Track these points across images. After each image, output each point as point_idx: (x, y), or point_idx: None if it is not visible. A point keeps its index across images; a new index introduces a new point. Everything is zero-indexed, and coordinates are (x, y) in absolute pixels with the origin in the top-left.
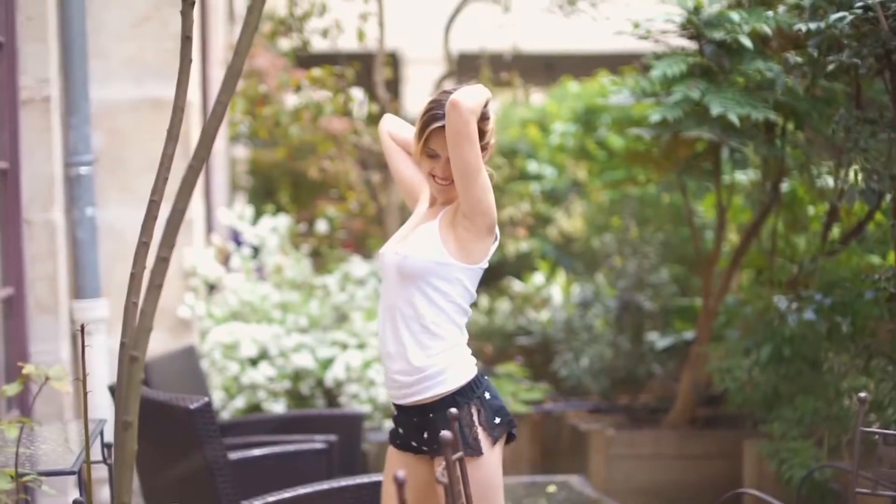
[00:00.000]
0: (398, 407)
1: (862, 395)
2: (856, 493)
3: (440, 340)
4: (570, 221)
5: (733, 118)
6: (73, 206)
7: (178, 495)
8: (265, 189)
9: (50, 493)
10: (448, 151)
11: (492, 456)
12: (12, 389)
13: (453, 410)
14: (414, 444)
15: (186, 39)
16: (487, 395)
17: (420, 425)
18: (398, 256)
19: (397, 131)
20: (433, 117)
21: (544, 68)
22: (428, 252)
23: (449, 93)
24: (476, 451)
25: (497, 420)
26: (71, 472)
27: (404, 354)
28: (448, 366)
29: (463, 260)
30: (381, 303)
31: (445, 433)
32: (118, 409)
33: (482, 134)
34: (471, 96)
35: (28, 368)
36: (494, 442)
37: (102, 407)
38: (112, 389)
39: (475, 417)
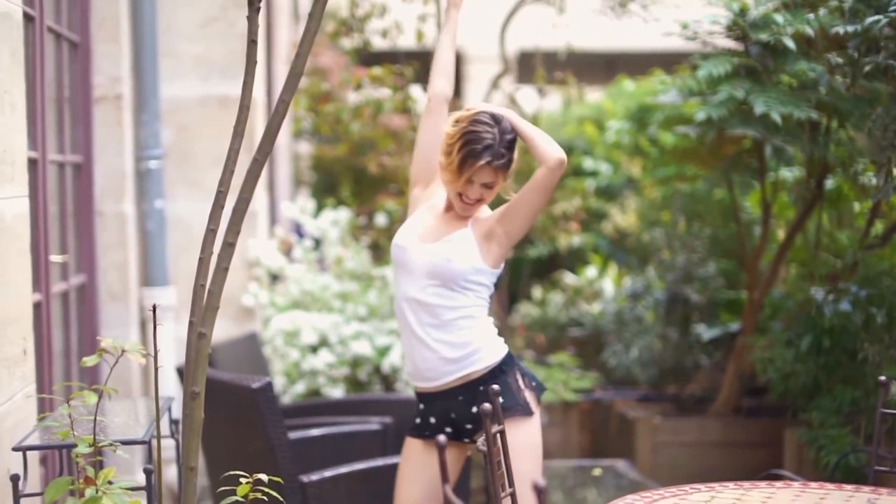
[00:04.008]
0: (435, 395)
1: (882, 378)
2: (875, 470)
3: (473, 320)
4: (624, 217)
5: (776, 117)
6: (142, 198)
7: (241, 471)
8: (328, 184)
9: (124, 456)
10: (488, 180)
11: (537, 415)
12: (91, 361)
13: (495, 387)
14: (448, 430)
15: (252, 43)
16: (522, 365)
17: (464, 404)
18: (436, 258)
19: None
20: (473, 153)
21: (605, 66)
22: (470, 260)
23: (482, 120)
24: (528, 411)
25: (534, 383)
26: (142, 442)
27: (444, 338)
28: (486, 340)
29: (493, 267)
30: (402, 294)
31: (486, 406)
32: (187, 380)
33: (511, 161)
34: (557, 145)
35: (106, 342)
36: (538, 402)
37: (169, 389)
38: (179, 371)
39: (521, 382)
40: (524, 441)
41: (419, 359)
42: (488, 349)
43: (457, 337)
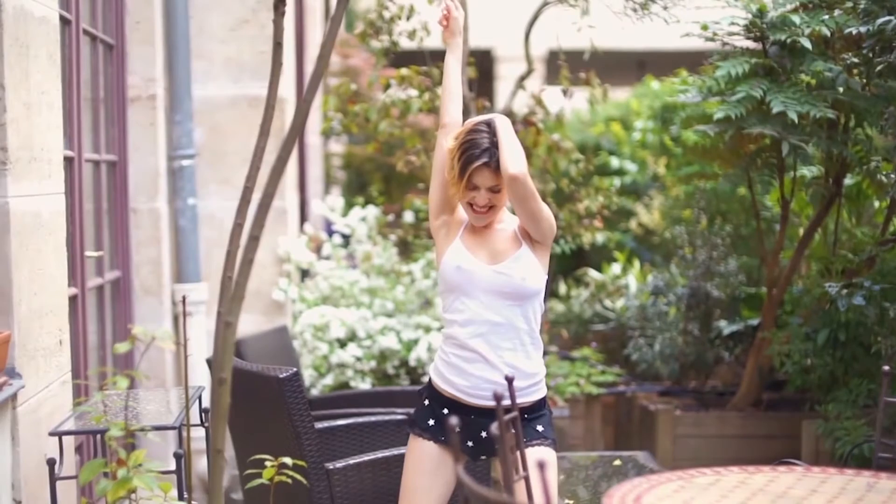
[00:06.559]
0: (472, 409)
1: (885, 367)
2: (878, 457)
3: (540, 349)
4: (649, 214)
5: (792, 116)
6: (175, 196)
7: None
8: (358, 182)
9: (155, 440)
10: (491, 183)
11: None
12: (123, 347)
13: (514, 414)
14: (470, 444)
15: (277, 46)
16: None
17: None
18: (513, 278)
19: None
20: (471, 157)
21: (636, 66)
22: (539, 275)
23: (477, 129)
24: (556, 446)
25: None
26: (172, 427)
27: (513, 363)
28: (544, 372)
29: (544, 275)
30: (468, 314)
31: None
32: (214, 367)
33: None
34: (520, 159)
35: (137, 329)
36: None
37: (201, 380)
38: (209, 362)
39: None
40: (552, 465)
41: (483, 381)
42: (544, 381)
43: (528, 366)
